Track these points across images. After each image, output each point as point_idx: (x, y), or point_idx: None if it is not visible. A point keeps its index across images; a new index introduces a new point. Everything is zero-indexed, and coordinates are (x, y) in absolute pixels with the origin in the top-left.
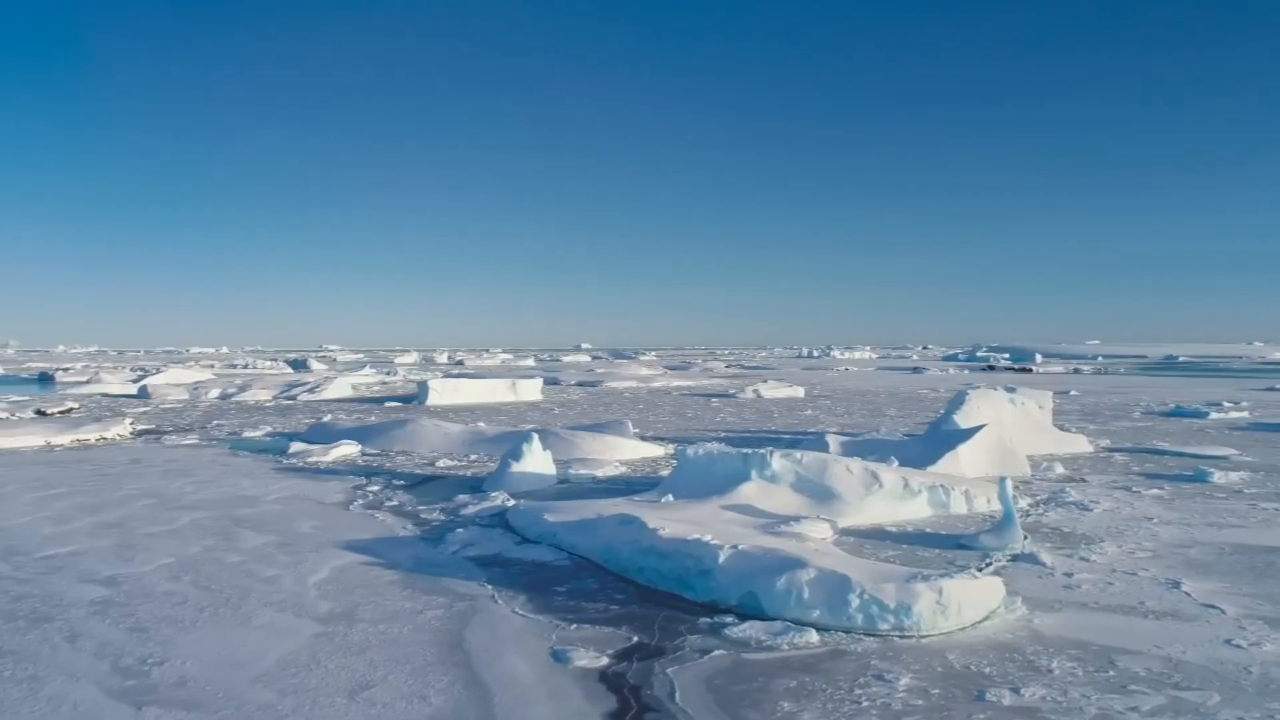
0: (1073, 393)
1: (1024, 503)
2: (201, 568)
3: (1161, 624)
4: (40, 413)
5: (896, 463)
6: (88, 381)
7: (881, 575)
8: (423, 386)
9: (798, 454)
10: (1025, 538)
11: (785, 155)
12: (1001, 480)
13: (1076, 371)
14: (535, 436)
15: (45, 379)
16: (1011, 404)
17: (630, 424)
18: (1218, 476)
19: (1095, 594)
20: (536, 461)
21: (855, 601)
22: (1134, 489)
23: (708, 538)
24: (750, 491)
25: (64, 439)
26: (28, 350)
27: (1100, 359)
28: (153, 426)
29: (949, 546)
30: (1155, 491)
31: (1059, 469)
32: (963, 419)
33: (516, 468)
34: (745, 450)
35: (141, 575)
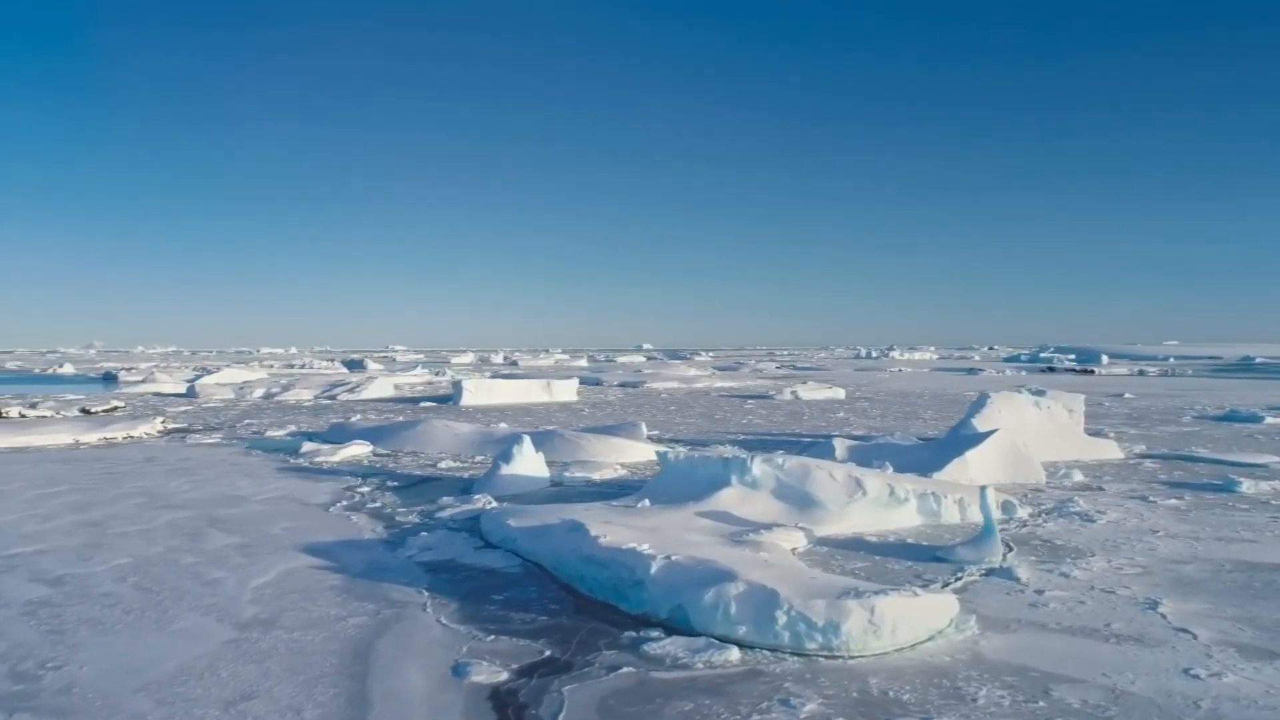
0: (1127, 395)
1: (1024, 512)
2: (152, 569)
3: (1120, 649)
4: (85, 411)
5: (891, 468)
6: (143, 381)
7: (814, 591)
8: (457, 387)
9: (779, 459)
10: (1012, 549)
11: (850, 156)
12: (982, 489)
13: (1141, 373)
14: (526, 438)
15: (109, 378)
16: (1036, 408)
17: (643, 426)
18: (1246, 486)
19: (1060, 614)
20: (528, 464)
21: (782, 619)
22: (1150, 499)
23: (643, 547)
24: (729, 498)
25: (91, 437)
26: (108, 350)
27: (1171, 360)
28: (184, 426)
29: (924, 559)
30: (1173, 502)
31: (1077, 476)
32: (982, 423)
33: (506, 470)
34: (726, 455)
35: (90, 576)
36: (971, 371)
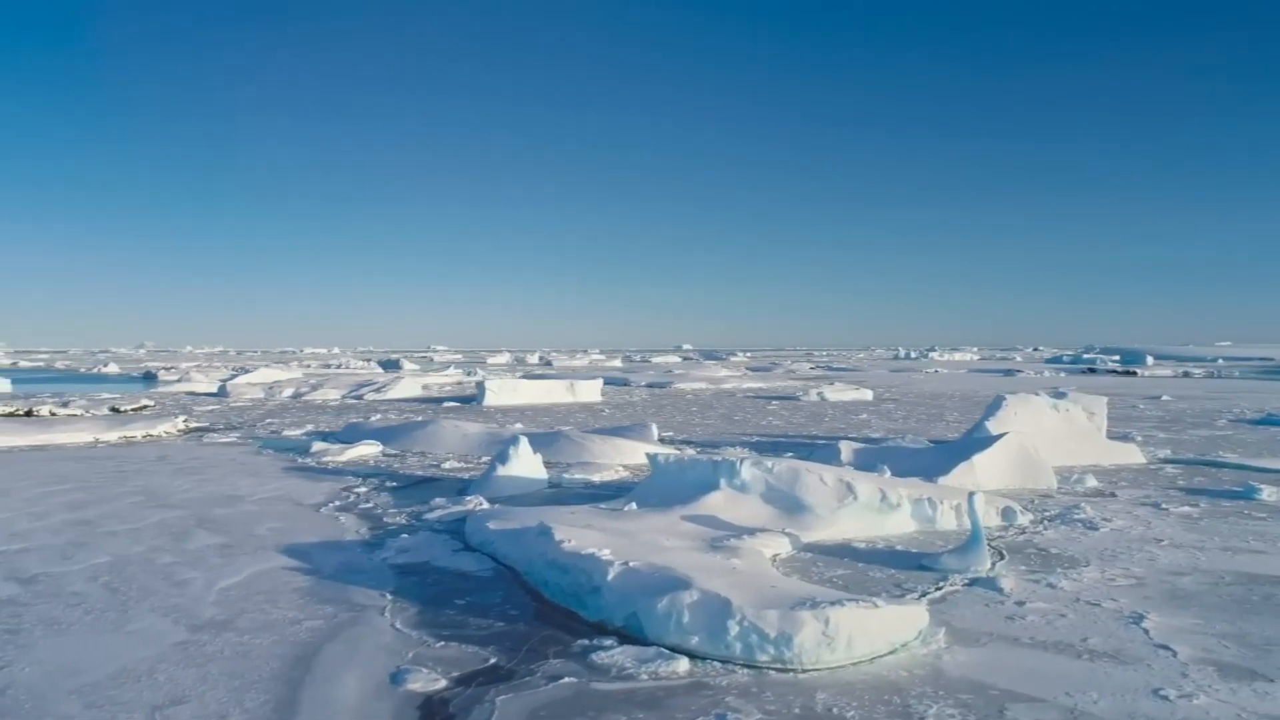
0: (1164, 397)
1: (1025, 519)
2: (126, 569)
3: (1091, 666)
4: (114, 410)
5: (888, 472)
6: (178, 381)
7: (769, 600)
8: (480, 387)
9: (769, 462)
10: (1004, 557)
11: (893, 157)
12: (970, 495)
13: (1186, 375)
14: (523, 439)
15: (149, 378)
16: (1054, 411)
17: (654, 427)
18: (1267, 494)
19: (1036, 627)
20: (524, 465)
21: (734, 629)
22: (1162, 506)
23: (603, 553)
24: (717, 501)
25: (111, 436)
26: (158, 351)
27: (1220, 361)
28: (206, 425)
29: (908, 567)
30: (1185, 509)
31: (1090, 482)
32: (996, 426)
33: (502, 471)
34: (716, 458)
35: (64, 575)
36: (1009, 373)
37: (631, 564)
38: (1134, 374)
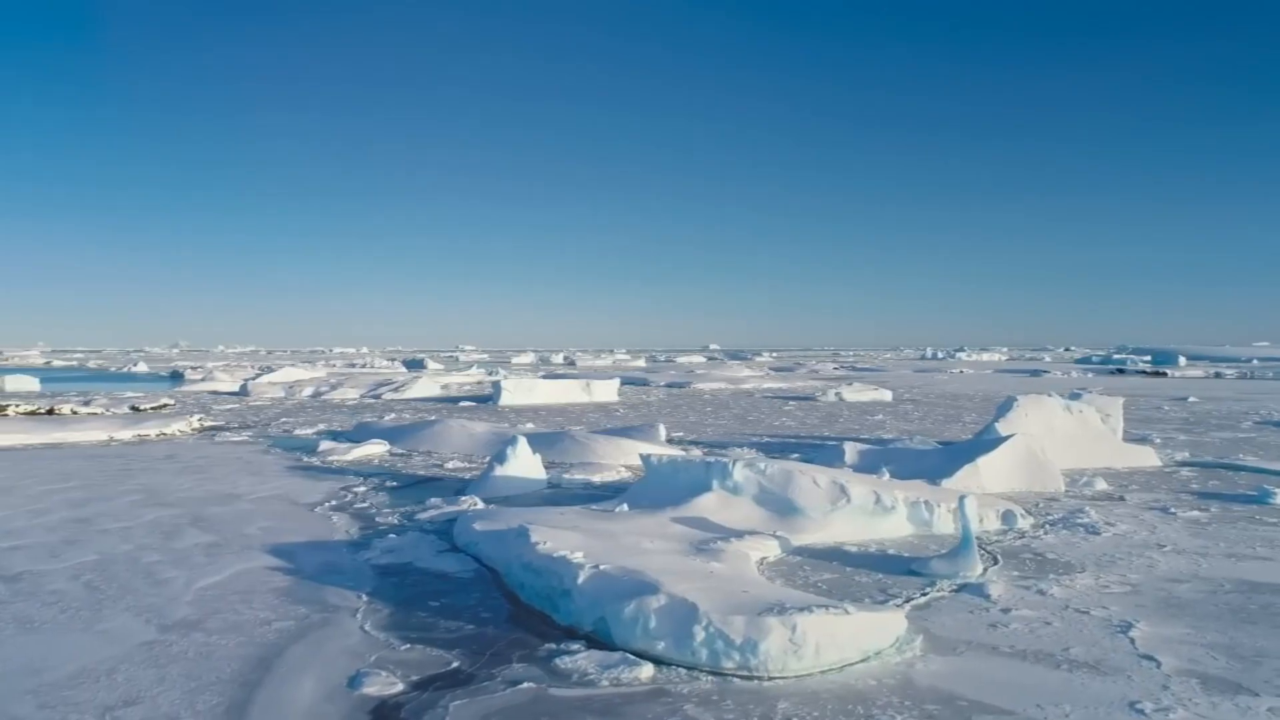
0: (1191, 399)
1: (1026, 523)
2: (111, 567)
3: (1069, 677)
4: (134, 409)
5: (887, 474)
6: (203, 380)
7: (738, 606)
8: (496, 387)
9: (762, 464)
10: (998, 562)
11: (922, 156)
12: (961, 498)
13: (1218, 376)
14: (522, 440)
15: (176, 377)
16: (1067, 412)
17: (662, 428)
18: None
19: (1019, 636)
20: (523, 465)
21: (700, 635)
22: (1171, 510)
23: (576, 555)
24: (709, 503)
25: (125, 434)
26: (191, 350)
27: (1255, 362)
28: (221, 423)
29: (897, 571)
30: (1194, 513)
31: (1100, 485)
32: (1006, 428)
33: (500, 471)
34: (709, 459)
35: (48, 573)
36: (1036, 373)
37: (602, 567)
38: (1164, 375)
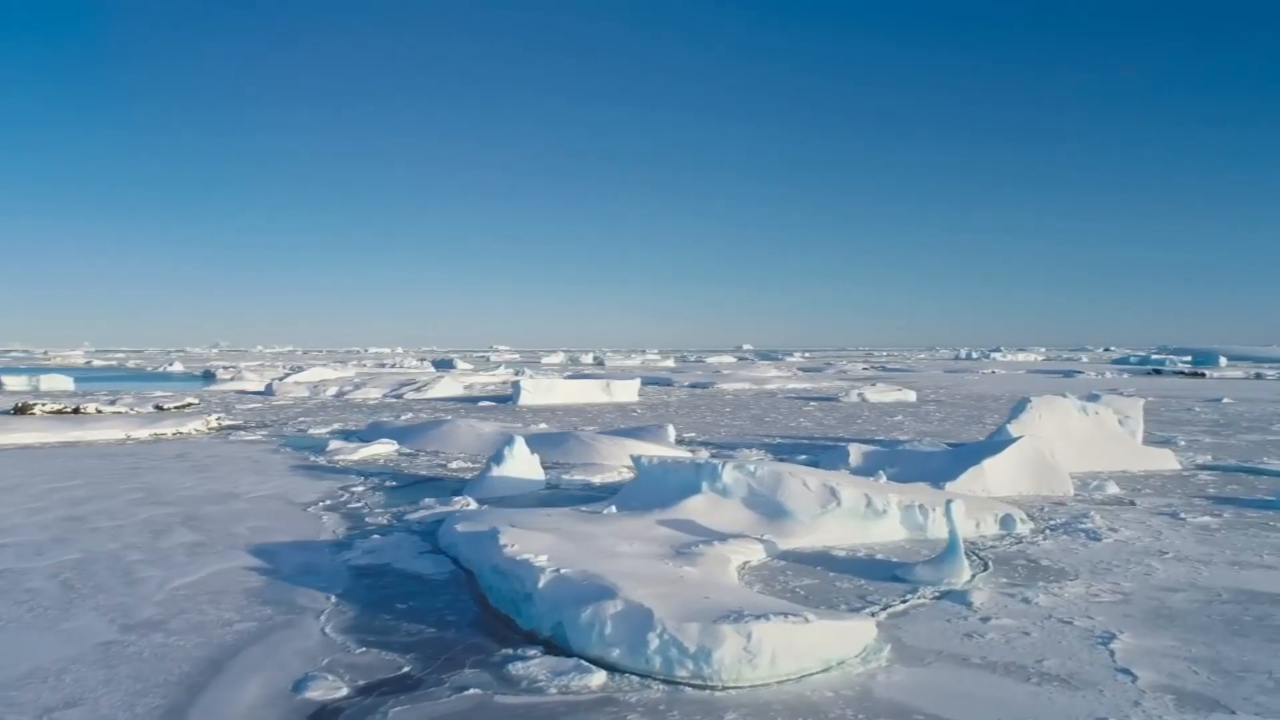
0: (1225, 400)
1: (1026, 528)
2: (91, 566)
3: (1036, 690)
4: (158, 408)
5: (884, 477)
6: (231, 380)
7: (695, 613)
8: (516, 387)
9: (752, 466)
10: (988, 568)
11: (958, 155)
12: (947, 503)
13: (1258, 376)
14: (519, 440)
15: (208, 376)
16: (1083, 414)
17: (670, 429)
18: None
19: (993, 646)
20: (520, 465)
21: (654, 642)
22: (1181, 515)
23: (540, 559)
24: (698, 505)
25: (142, 433)
26: (230, 350)
27: None
28: (239, 422)
29: (880, 577)
30: (1205, 519)
31: (1111, 489)
32: (1018, 430)
33: (497, 472)
34: (699, 461)
35: (28, 571)
36: (1069, 374)
37: (563, 571)
38: (1202, 375)
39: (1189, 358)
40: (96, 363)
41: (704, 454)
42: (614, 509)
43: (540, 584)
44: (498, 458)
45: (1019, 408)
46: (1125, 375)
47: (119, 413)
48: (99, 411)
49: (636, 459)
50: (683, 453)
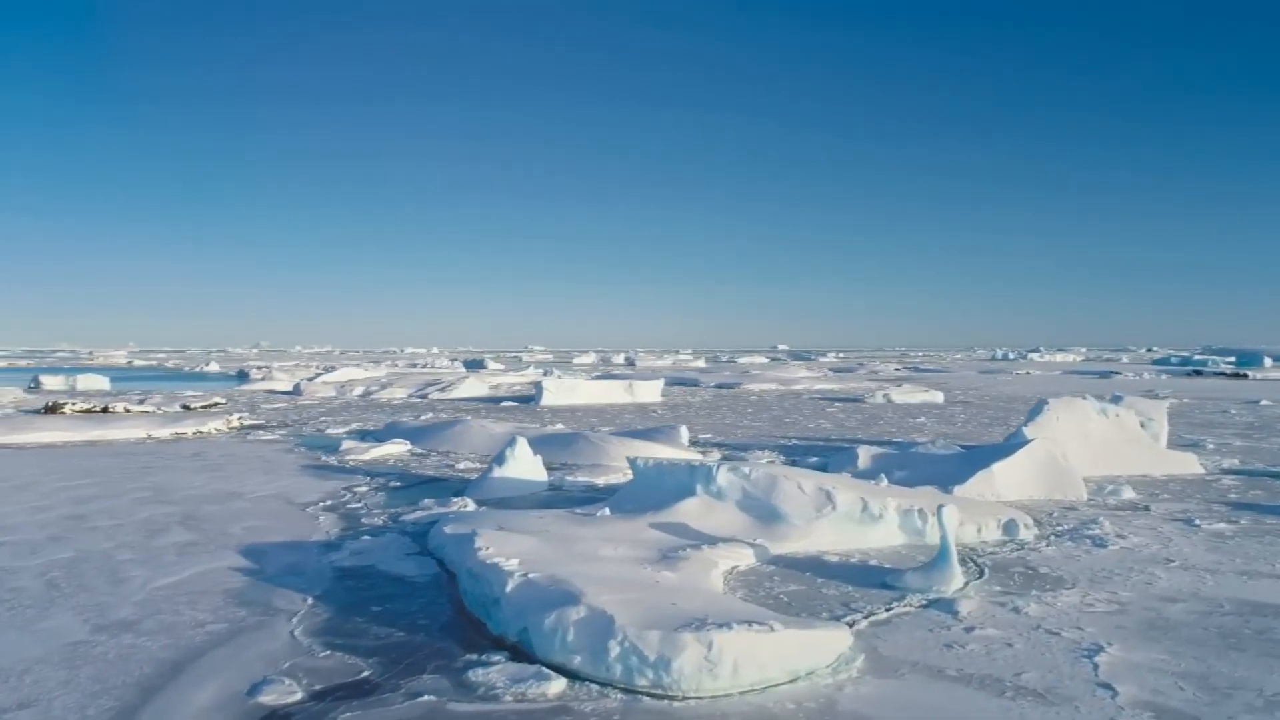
0: (1264, 402)
1: (1029, 533)
2: (81, 566)
3: (1010, 704)
4: (185, 407)
5: (885, 480)
6: (262, 380)
7: (658, 620)
8: (538, 387)
9: (746, 468)
10: (983, 575)
11: (1000, 154)
12: (940, 508)
13: None
14: (521, 440)
15: (242, 376)
16: (1103, 416)
17: (684, 430)
18: None
19: (972, 658)
20: (522, 466)
21: (615, 649)
22: (1195, 521)
23: (510, 563)
24: (691, 508)
25: (163, 432)
26: (269, 350)
27: None
28: (260, 422)
29: (868, 584)
30: (1220, 525)
31: (1126, 494)
32: (1035, 432)
33: (498, 473)
34: (694, 463)
35: (18, 570)
36: (1106, 374)
37: (531, 576)
38: (1244, 376)
39: (1233, 358)
40: (138, 363)
41: (715, 455)
42: (607, 511)
43: (508, 588)
44: (499, 458)
45: (1036, 410)
46: (1164, 376)
47: (146, 412)
48: (127, 411)
49: (632, 460)
50: (693, 454)
